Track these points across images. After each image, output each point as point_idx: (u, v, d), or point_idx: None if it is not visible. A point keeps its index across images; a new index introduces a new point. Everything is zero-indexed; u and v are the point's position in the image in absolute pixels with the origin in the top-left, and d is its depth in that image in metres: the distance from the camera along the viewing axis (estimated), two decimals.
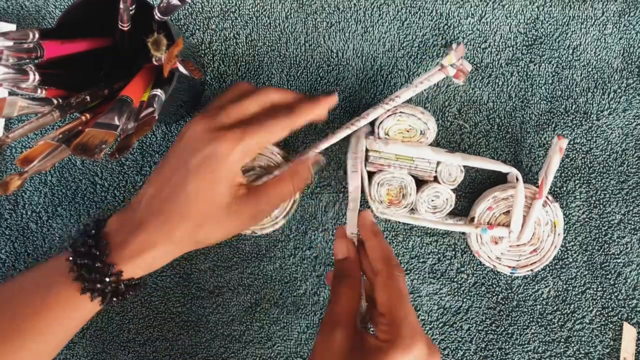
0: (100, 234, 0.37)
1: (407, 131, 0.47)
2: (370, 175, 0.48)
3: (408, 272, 0.50)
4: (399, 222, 0.50)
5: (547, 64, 0.50)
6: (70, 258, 0.36)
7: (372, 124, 0.48)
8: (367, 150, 0.47)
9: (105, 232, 0.37)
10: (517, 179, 0.47)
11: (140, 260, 0.36)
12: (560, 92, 0.50)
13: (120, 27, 0.38)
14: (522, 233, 0.47)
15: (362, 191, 0.49)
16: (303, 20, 0.50)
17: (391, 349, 0.32)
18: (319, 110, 0.41)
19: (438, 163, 0.48)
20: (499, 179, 0.50)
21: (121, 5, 0.37)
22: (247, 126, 0.37)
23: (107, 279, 0.36)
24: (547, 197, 0.48)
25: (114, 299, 0.37)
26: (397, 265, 0.37)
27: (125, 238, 0.36)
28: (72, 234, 0.50)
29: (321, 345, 0.35)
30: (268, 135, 0.38)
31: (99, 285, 0.36)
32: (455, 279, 0.50)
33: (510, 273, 0.48)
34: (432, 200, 0.48)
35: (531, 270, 0.48)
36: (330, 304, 0.37)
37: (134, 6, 0.37)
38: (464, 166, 0.48)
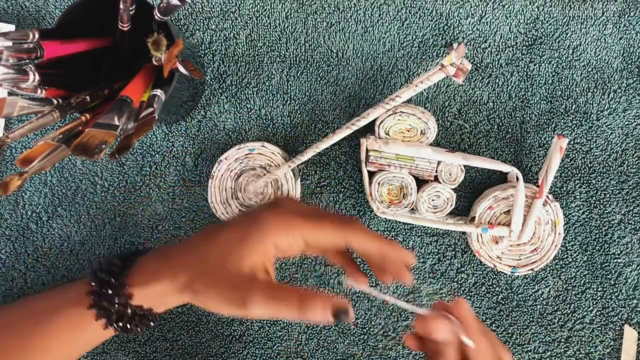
0: (126, 263, 0.38)
1: (408, 131, 0.47)
2: (371, 174, 0.48)
3: None
4: (399, 222, 0.50)
5: (547, 64, 0.50)
6: (90, 281, 0.37)
7: (372, 123, 0.48)
8: (367, 150, 0.47)
9: (130, 265, 0.38)
10: (517, 179, 0.47)
11: (142, 287, 0.36)
12: (560, 92, 0.50)
13: (120, 27, 0.38)
14: (522, 232, 0.47)
15: (359, 190, 0.49)
16: (303, 20, 0.50)
17: None
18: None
19: (438, 163, 0.48)
20: (500, 179, 0.50)
21: (121, 6, 0.37)
22: (304, 217, 0.36)
23: (116, 299, 0.36)
24: (547, 196, 0.48)
25: (119, 324, 0.37)
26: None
27: (140, 267, 0.37)
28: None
29: None
30: (320, 226, 0.35)
31: (105, 304, 0.36)
32: (455, 279, 0.50)
33: (511, 272, 0.48)
34: (433, 200, 0.48)
35: (532, 269, 0.48)
36: None
37: (134, 6, 0.37)
38: (465, 166, 0.48)
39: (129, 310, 0.36)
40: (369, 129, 0.49)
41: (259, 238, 0.35)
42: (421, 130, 0.47)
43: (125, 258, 0.38)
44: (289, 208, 0.37)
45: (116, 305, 0.36)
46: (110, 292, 0.36)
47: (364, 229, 0.36)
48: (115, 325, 0.37)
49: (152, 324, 0.38)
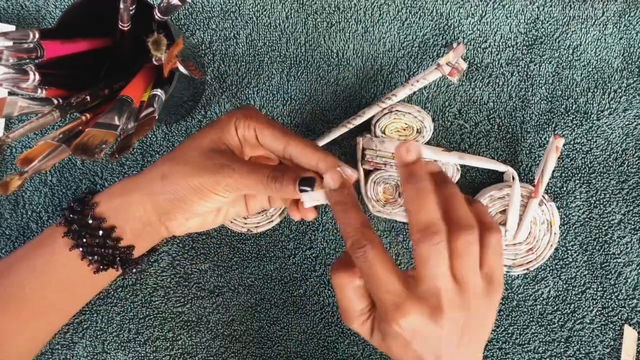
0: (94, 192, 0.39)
1: (404, 129, 0.47)
2: (367, 173, 0.48)
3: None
4: (400, 222, 0.50)
5: (547, 64, 0.50)
6: (62, 217, 0.38)
7: (368, 122, 0.48)
8: (363, 149, 0.47)
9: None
10: (513, 178, 0.47)
11: (107, 192, 0.37)
12: (560, 92, 0.50)
13: (120, 27, 0.38)
14: (518, 232, 0.47)
15: (359, 190, 0.49)
16: (303, 20, 0.50)
17: (379, 325, 0.32)
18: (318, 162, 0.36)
19: (434, 162, 0.48)
20: (499, 179, 0.50)
21: (121, 5, 0.37)
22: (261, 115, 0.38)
23: (81, 210, 0.37)
24: (543, 196, 0.48)
25: (94, 252, 0.37)
26: (355, 244, 0.32)
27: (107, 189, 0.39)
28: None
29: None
30: (265, 122, 0.37)
31: (75, 226, 0.36)
32: None
33: (506, 272, 0.48)
34: None
35: (527, 269, 0.48)
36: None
37: (134, 6, 0.37)
38: (463, 166, 0.48)
39: (92, 221, 0.36)
40: (365, 128, 0.49)
41: (220, 120, 0.37)
42: (417, 129, 0.47)
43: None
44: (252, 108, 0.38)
45: (80, 216, 0.36)
46: (76, 204, 0.37)
47: (306, 140, 0.37)
48: (82, 246, 0.37)
49: (125, 259, 0.38)
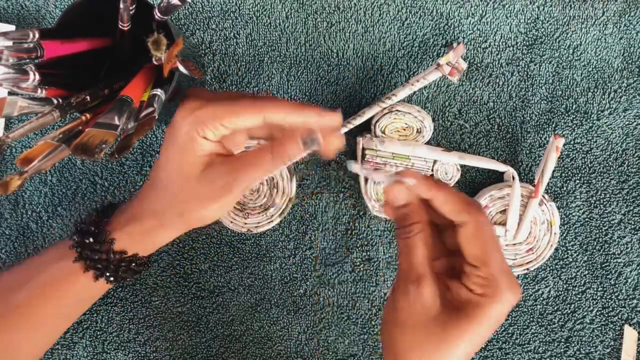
0: (105, 213, 0.39)
1: (404, 129, 0.47)
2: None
3: None
4: None
5: (547, 64, 0.50)
6: (74, 237, 0.37)
7: (368, 122, 0.48)
8: (363, 149, 0.47)
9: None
10: (513, 178, 0.47)
11: (123, 230, 0.37)
12: (560, 92, 0.50)
13: (120, 26, 0.38)
14: (518, 232, 0.47)
15: (359, 190, 0.49)
16: (303, 20, 0.50)
17: (492, 303, 0.31)
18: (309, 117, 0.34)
19: (434, 162, 0.48)
20: (500, 179, 0.50)
21: (121, 5, 0.37)
22: (212, 100, 0.35)
23: (99, 247, 0.36)
24: (543, 196, 0.48)
25: (107, 273, 0.37)
26: (481, 211, 0.33)
27: (119, 214, 0.38)
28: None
29: (407, 305, 0.32)
30: (228, 111, 0.34)
31: (89, 253, 0.36)
32: None
33: None
34: None
35: (527, 269, 0.48)
36: (404, 257, 0.33)
37: (134, 6, 0.37)
38: (463, 165, 0.48)
39: (113, 256, 0.36)
40: (365, 128, 0.49)
41: (184, 143, 0.35)
42: (417, 129, 0.47)
43: (104, 210, 0.39)
44: (199, 97, 0.36)
45: (100, 254, 0.36)
46: (92, 240, 0.36)
47: (282, 100, 0.35)
48: (104, 275, 0.37)
49: (141, 269, 0.38)
